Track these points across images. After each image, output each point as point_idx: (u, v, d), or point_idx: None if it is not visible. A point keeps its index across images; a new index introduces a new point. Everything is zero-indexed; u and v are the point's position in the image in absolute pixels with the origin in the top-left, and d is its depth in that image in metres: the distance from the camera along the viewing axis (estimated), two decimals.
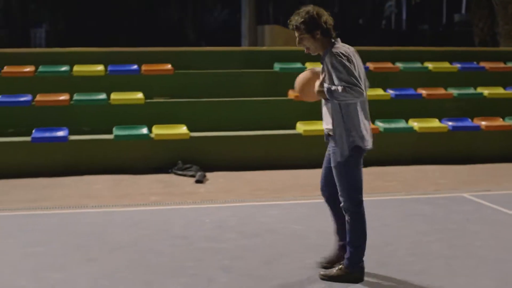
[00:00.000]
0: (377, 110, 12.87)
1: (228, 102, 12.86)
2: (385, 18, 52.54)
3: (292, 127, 12.37)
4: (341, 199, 5.99)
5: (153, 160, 11.64)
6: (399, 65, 14.26)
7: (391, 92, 13.45)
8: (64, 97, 12.40)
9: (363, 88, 5.67)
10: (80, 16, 41.45)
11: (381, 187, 10.38)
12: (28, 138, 11.49)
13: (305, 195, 9.67)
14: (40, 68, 13.00)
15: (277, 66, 13.81)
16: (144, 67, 13.31)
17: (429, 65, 14.33)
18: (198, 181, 10.71)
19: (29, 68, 12.99)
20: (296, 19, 5.87)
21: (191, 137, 11.85)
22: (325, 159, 6.16)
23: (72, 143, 11.59)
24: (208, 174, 11.16)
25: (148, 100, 12.63)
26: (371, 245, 7.02)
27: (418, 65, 14.41)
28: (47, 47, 36.92)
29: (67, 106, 12.31)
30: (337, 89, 5.62)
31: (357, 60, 5.80)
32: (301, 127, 12.19)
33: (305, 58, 12.89)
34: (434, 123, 12.87)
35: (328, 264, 6.30)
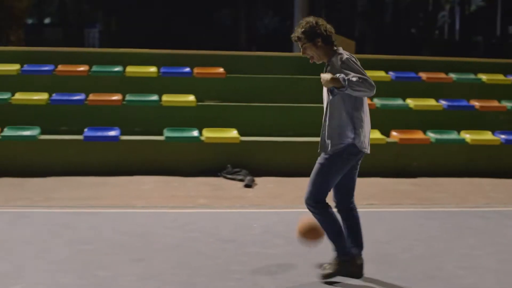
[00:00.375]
0: (429, 120, 12.81)
1: (279, 107, 12.85)
2: (438, 28, 52.14)
3: None
4: (306, 190, 6.07)
5: (202, 163, 11.66)
6: (452, 76, 14.10)
7: (443, 103, 13.30)
8: (116, 97, 12.52)
9: (373, 83, 5.73)
10: (133, 17, 41.89)
11: (431, 198, 10.26)
12: (80, 137, 11.61)
13: None
14: (94, 68, 13.15)
15: None
16: (196, 70, 13.37)
17: (483, 77, 14.15)
18: (247, 186, 10.71)
19: (82, 68, 13.14)
20: (297, 31, 6.10)
21: (241, 141, 11.86)
22: None
23: (124, 143, 11.68)
24: (257, 179, 11.15)
25: (200, 103, 12.68)
26: (418, 256, 6.97)
27: (472, 76, 14.24)
28: (101, 47, 37.33)
29: (119, 106, 12.43)
30: (351, 79, 5.74)
31: None
32: None
33: None
34: (486, 136, 12.69)
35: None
